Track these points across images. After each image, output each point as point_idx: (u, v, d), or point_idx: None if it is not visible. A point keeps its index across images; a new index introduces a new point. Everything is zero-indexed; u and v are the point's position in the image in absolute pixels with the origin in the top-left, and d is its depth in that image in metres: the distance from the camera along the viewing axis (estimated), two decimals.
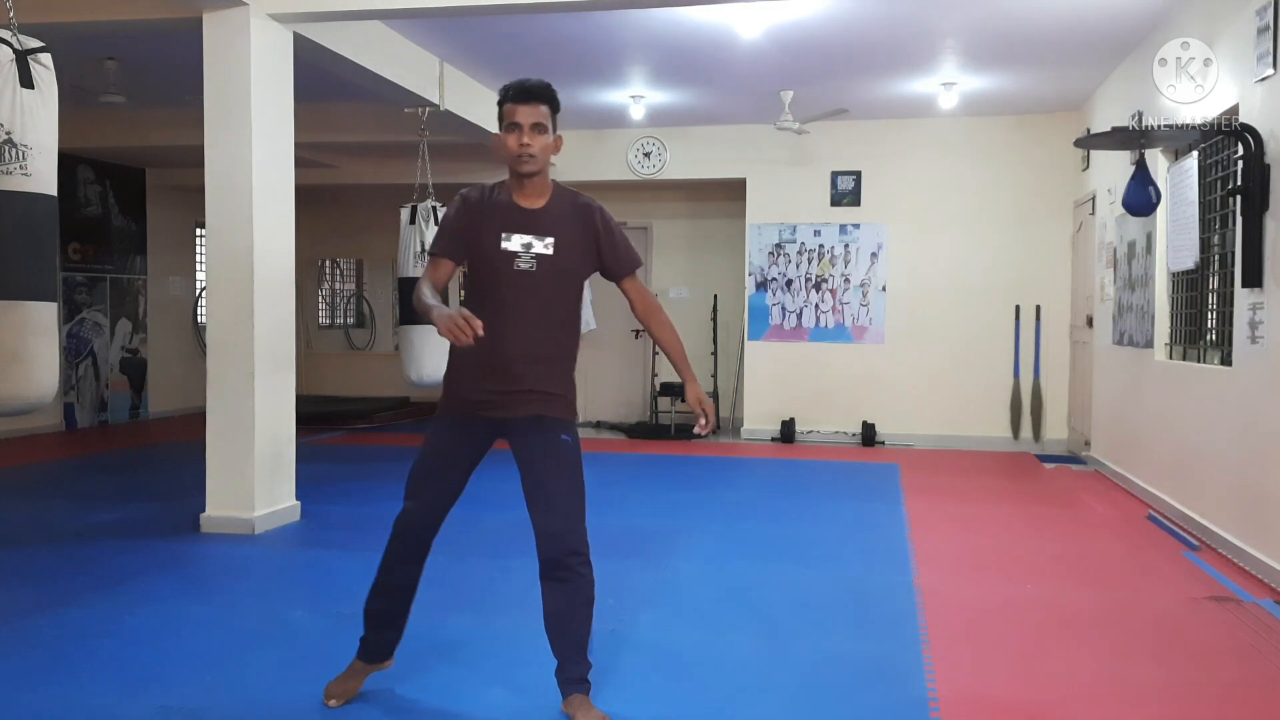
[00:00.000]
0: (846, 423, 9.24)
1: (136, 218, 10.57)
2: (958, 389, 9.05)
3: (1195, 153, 5.40)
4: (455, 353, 2.82)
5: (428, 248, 2.93)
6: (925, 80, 7.64)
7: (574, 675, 2.88)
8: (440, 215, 6.82)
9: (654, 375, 10.27)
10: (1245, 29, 4.74)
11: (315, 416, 9.88)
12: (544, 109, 2.75)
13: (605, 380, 10.55)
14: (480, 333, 2.52)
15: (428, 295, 2.78)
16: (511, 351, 2.76)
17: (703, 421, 2.85)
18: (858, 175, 9.24)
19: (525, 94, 2.74)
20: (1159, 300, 6.11)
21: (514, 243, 2.77)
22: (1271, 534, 4.41)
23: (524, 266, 2.76)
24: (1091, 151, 7.77)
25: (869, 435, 9.07)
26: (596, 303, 10.23)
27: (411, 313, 6.85)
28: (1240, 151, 4.62)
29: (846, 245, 9.28)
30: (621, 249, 2.90)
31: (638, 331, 10.50)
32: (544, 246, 2.78)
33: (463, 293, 2.99)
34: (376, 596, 3.02)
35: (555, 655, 2.91)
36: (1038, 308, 8.93)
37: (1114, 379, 7.17)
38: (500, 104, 2.78)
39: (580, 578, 2.83)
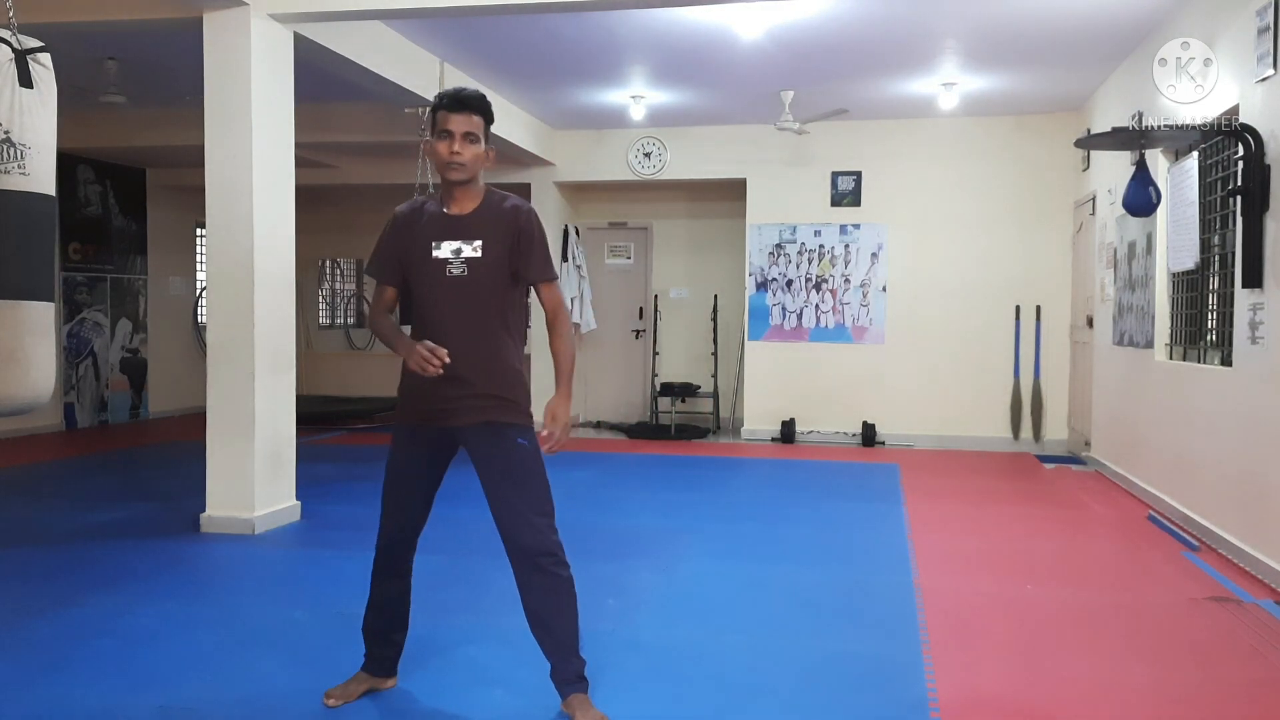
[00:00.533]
0: (847, 423, 9.24)
1: (137, 218, 10.57)
2: (958, 389, 9.05)
3: (1195, 153, 5.39)
4: (408, 365, 2.83)
5: (364, 269, 3.00)
6: (925, 80, 7.64)
7: (568, 675, 2.88)
8: None
9: (654, 375, 10.27)
10: (1245, 29, 4.74)
11: (315, 416, 9.88)
12: (477, 119, 2.78)
13: (605, 380, 10.55)
14: (448, 360, 2.64)
15: (388, 328, 2.88)
16: (460, 357, 2.75)
17: (544, 434, 2.85)
18: (858, 175, 9.24)
19: (458, 103, 2.77)
20: (1159, 300, 6.11)
21: (444, 250, 2.81)
22: (1271, 534, 4.41)
23: (456, 272, 2.80)
24: (1092, 152, 7.77)
25: (869, 435, 9.07)
26: (596, 303, 10.24)
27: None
28: (1240, 152, 4.62)
29: (847, 245, 9.28)
30: (535, 256, 2.87)
31: (638, 332, 10.51)
32: (472, 250, 2.80)
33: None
34: (370, 612, 3.07)
35: (546, 657, 2.91)
36: (1038, 308, 8.93)
37: (1114, 379, 7.17)
38: (433, 110, 2.82)
39: (555, 577, 2.84)
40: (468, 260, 2.80)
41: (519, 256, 2.84)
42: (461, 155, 2.76)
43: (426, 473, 2.93)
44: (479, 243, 2.80)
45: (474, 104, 2.79)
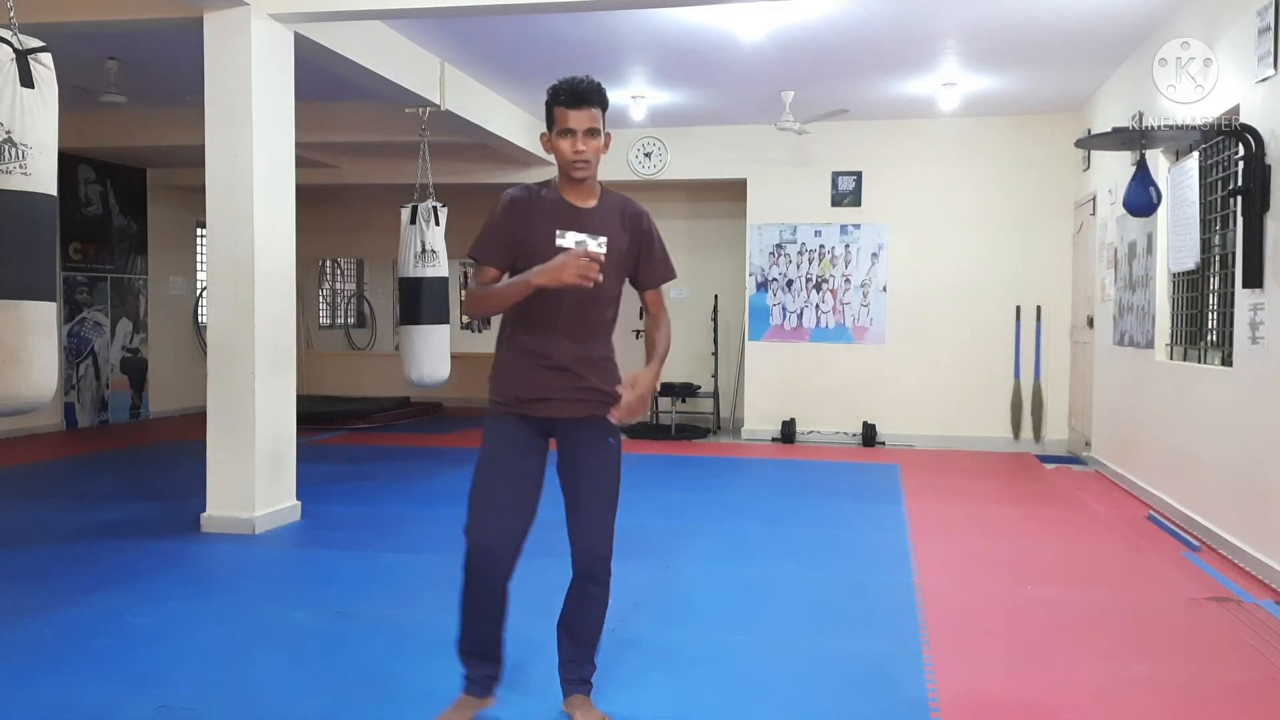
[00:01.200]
0: (847, 423, 9.23)
1: (137, 217, 10.57)
2: (958, 389, 9.05)
3: (1196, 153, 5.39)
4: (505, 353, 2.80)
5: (470, 251, 2.82)
6: (926, 81, 7.64)
7: (576, 676, 2.89)
8: (441, 215, 6.85)
9: None
10: (1246, 29, 4.73)
11: (316, 416, 9.89)
12: (596, 111, 2.69)
13: None
14: (600, 260, 2.58)
15: (498, 289, 2.71)
16: (565, 351, 2.73)
17: (616, 412, 2.71)
18: (858, 176, 9.24)
19: (578, 98, 2.67)
20: (1160, 301, 6.11)
21: (568, 240, 2.71)
22: (1272, 534, 4.41)
23: (599, 258, 2.68)
24: (1092, 152, 7.77)
25: (869, 435, 9.07)
26: None
27: (412, 313, 6.87)
28: (1241, 152, 4.62)
29: (847, 245, 9.28)
30: (659, 260, 2.87)
31: (637, 332, 10.50)
32: (597, 245, 2.73)
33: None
34: (464, 637, 2.90)
35: (562, 654, 2.91)
36: (1038, 308, 8.93)
37: (1114, 379, 7.17)
38: (550, 106, 2.71)
39: (603, 586, 2.85)
40: (590, 255, 2.69)
41: (643, 261, 2.83)
42: (586, 153, 2.68)
43: (530, 464, 2.78)
44: (604, 239, 2.74)
45: (592, 96, 2.68)
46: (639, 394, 2.68)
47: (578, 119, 2.66)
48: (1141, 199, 5.61)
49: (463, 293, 14.67)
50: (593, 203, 2.78)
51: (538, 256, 2.68)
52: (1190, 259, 5.36)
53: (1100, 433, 7.62)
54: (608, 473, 2.80)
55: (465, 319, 14.49)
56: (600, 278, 2.58)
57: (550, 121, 2.73)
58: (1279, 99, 4.41)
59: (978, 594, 4.30)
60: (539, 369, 2.74)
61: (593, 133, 2.68)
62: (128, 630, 3.71)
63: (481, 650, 2.90)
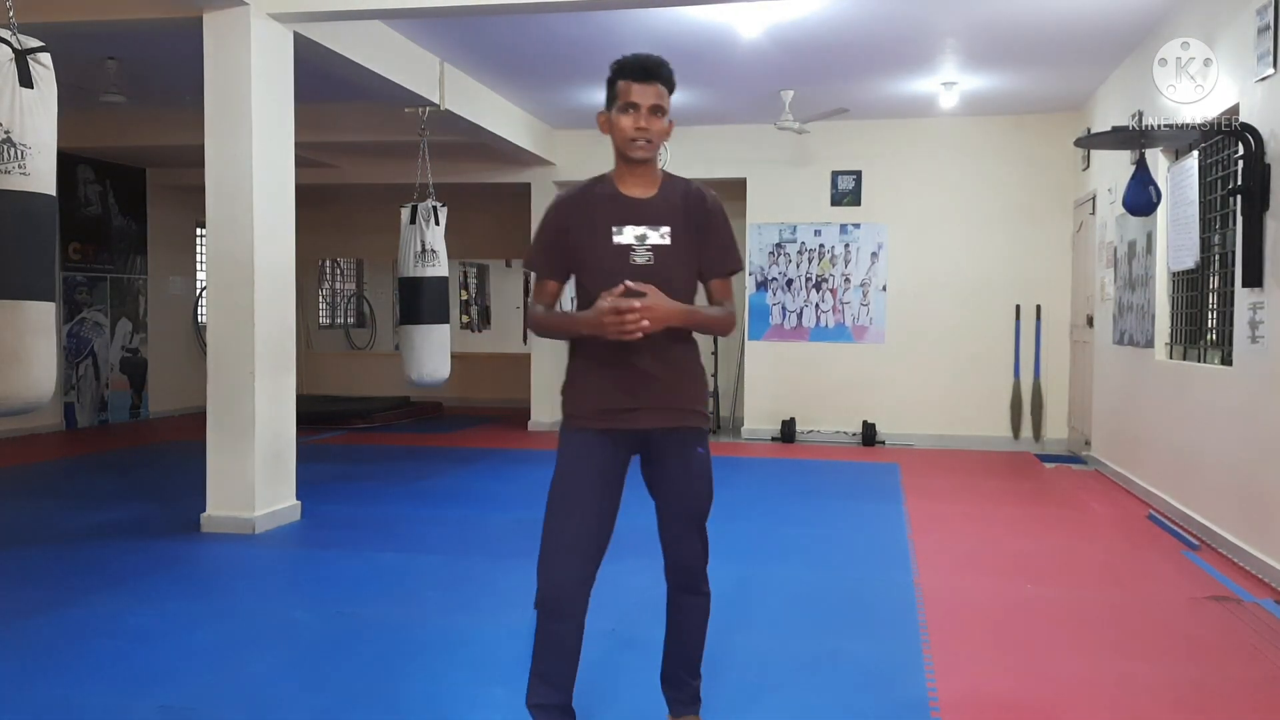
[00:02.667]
0: (847, 422, 9.23)
1: (136, 217, 10.57)
2: (958, 389, 9.05)
3: (1195, 152, 5.39)
4: (581, 361, 2.59)
5: (524, 263, 2.64)
6: (926, 80, 7.64)
7: (684, 695, 2.76)
8: (441, 215, 6.85)
9: None
10: (1245, 29, 4.73)
11: (316, 416, 9.89)
12: (663, 89, 2.49)
13: None
14: (641, 305, 2.32)
15: (556, 317, 2.58)
16: (643, 356, 2.49)
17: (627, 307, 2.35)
18: (858, 175, 9.24)
19: (645, 72, 2.47)
20: (1159, 300, 6.11)
21: (626, 235, 2.49)
22: (1272, 533, 4.41)
23: (640, 260, 2.47)
24: (1092, 151, 7.77)
25: (869, 435, 9.07)
26: None
27: (412, 312, 6.86)
28: (1240, 151, 4.62)
29: (847, 245, 9.28)
30: (723, 246, 2.61)
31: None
32: (660, 236, 2.51)
33: (574, 301, 2.62)
34: (541, 691, 2.56)
35: (667, 672, 2.77)
36: (1038, 307, 8.93)
37: (1114, 379, 7.17)
38: (612, 81, 2.52)
39: (706, 598, 2.71)
40: (654, 248, 2.49)
41: (705, 246, 2.57)
42: (649, 130, 2.46)
43: (611, 487, 2.56)
44: (666, 229, 2.51)
45: (660, 73, 2.49)
46: (652, 302, 2.36)
47: (642, 93, 2.46)
48: (1141, 198, 5.60)
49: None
50: (652, 191, 2.55)
51: (595, 257, 2.51)
52: (1190, 258, 5.36)
53: (1100, 432, 7.62)
54: (701, 481, 2.63)
55: (463, 321, 14.50)
56: (646, 326, 2.32)
57: (611, 98, 2.52)
58: (1278, 98, 4.41)
59: (978, 593, 4.30)
60: (620, 376, 2.52)
61: (657, 110, 2.48)
62: (128, 630, 3.71)
63: (556, 702, 2.57)
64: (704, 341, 10.17)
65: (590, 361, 2.57)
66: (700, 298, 2.65)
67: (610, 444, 2.55)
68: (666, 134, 2.53)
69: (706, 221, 2.58)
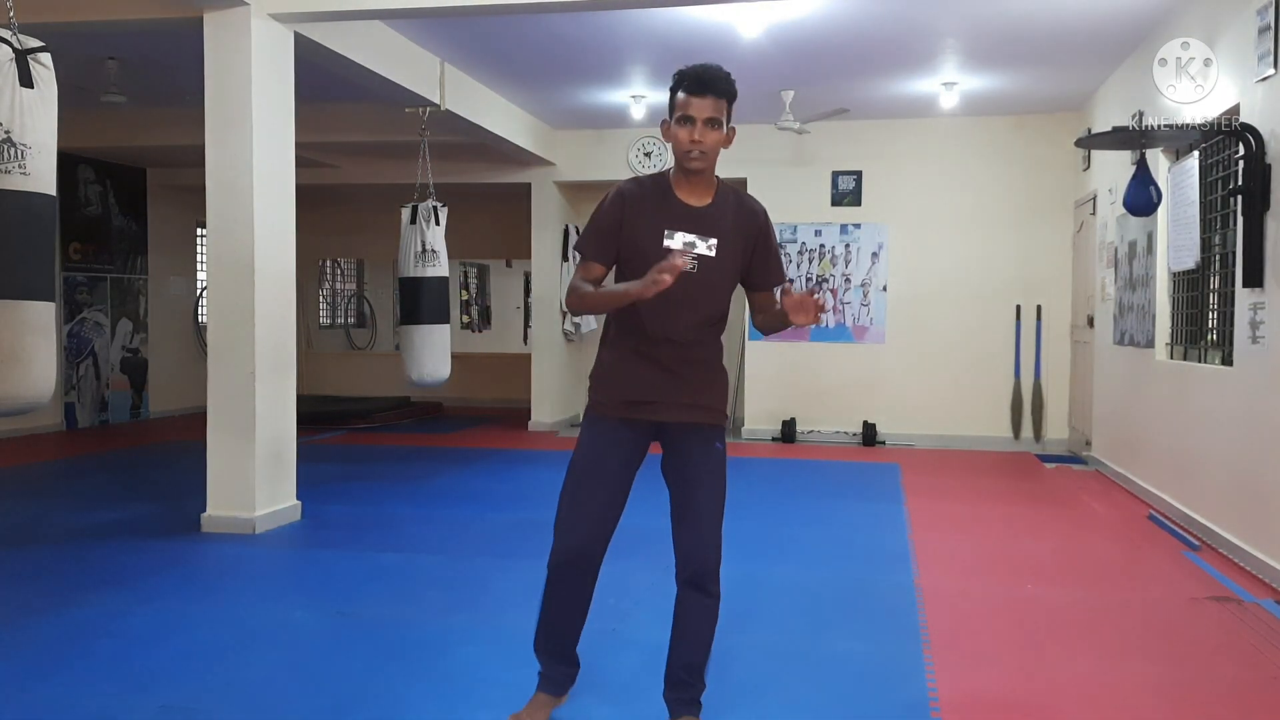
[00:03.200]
0: (847, 423, 9.23)
1: (137, 217, 10.57)
2: (958, 389, 9.05)
3: (1196, 152, 5.39)
4: (610, 352, 2.72)
5: (576, 245, 2.73)
6: (926, 80, 7.64)
7: (685, 696, 2.77)
8: (441, 215, 6.85)
9: None
10: (1246, 29, 4.73)
11: (316, 416, 9.88)
12: (721, 102, 2.56)
13: None
14: (681, 266, 2.43)
15: (599, 293, 2.64)
16: (672, 353, 2.64)
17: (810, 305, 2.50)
18: (858, 175, 9.24)
19: (701, 85, 2.54)
20: (1160, 300, 6.11)
21: (676, 241, 2.60)
22: (1272, 534, 4.41)
23: (686, 267, 2.54)
24: (1092, 151, 7.77)
25: (869, 435, 9.07)
26: None
27: (412, 312, 6.86)
28: (1241, 151, 4.62)
29: (847, 245, 9.28)
30: (774, 262, 2.74)
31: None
32: (707, 247, 2.61)
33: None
34: (542, 634, 2.84)
35: (669, 672, 2.79)
36: (1038, 307, 8.93)
37: (1115, 379, 7.17)
38: (673, 91, 2.59)
39: (715, 600, 2.73)
40: (699, 257, 2.60)
41: (758, 263, 2.70)
42: (703, 143, 2.54)
43: (626, 468, 2.71)
44: (714, 241, 2.62)
45: (718, 85, 2.55)
46: (810, 294, 2.50)
47: (699, 106, 2.53)
48: (1141, 198, 5.61)
49: (463, 293, 14.67)
50: (707, 200, 2.65)
51: (643, 255, 2.59)
52: (1190, 258, 5.36)
53: (1100, 432, 7.62)
54: (716, 479, 2.70)
55: (463, 321, 14.51)
56: (668, 281, 2.41)
57: (671, 108, 2.60)
58: (1279, 98, 4.41)
59: (978, 593, 4.30)
60: (646, 371, 2.66)
61: (713, 123, 2.55)
62: (128, 630, 3.71)
63: (560, 649, 2.84)
64: None
65: (619, 354, 2.70)
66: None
67: (630, 431, 2.69)
68: (724, 144, 2.61)
69: (760, 239, 2.71)
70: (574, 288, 2.69)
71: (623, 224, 2.64)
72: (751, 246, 2.69)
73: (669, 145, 2.64)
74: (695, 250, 2.60)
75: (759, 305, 2.81)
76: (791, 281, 2.67)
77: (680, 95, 2.57)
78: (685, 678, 2.77)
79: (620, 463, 2.70)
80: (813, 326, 9.14)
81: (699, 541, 2.68)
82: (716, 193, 2.67)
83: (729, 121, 2.60)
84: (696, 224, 2.62)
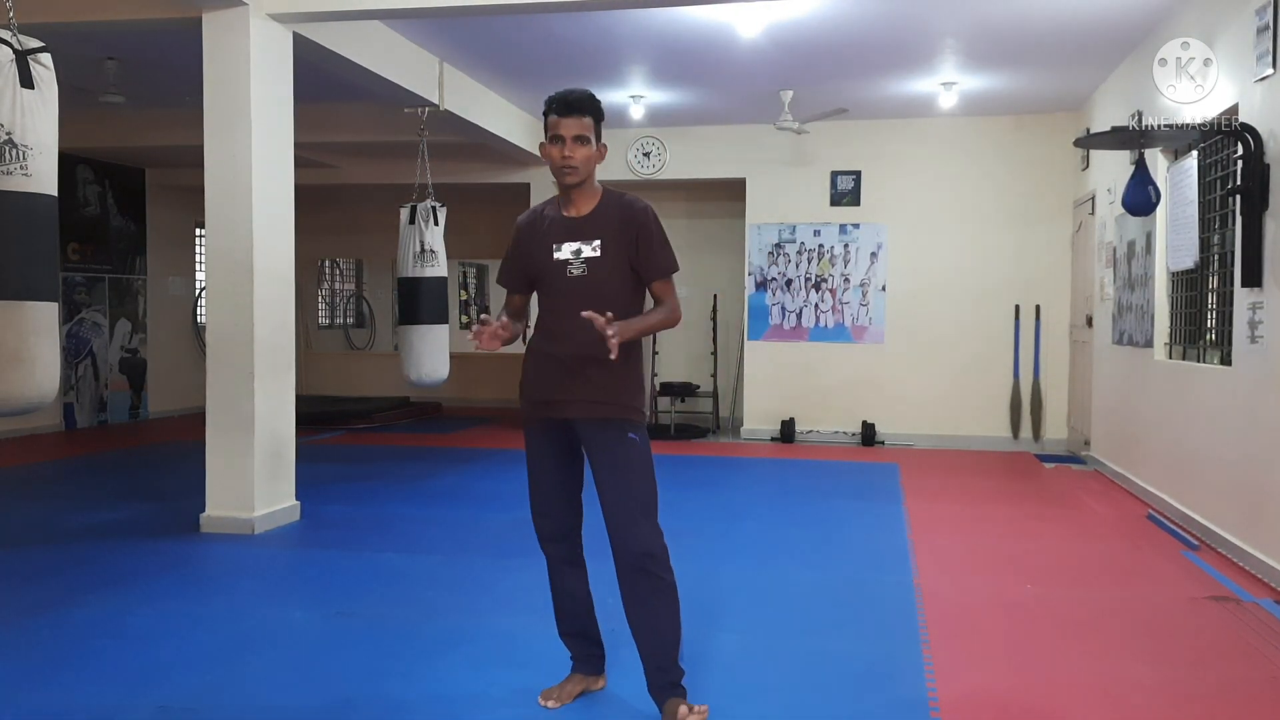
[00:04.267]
0: (846, 423, 9.24)
1: (136, 218, 10.57)
2: (957, 389, 9.05)
3: (1195, 152, 5.40)
4: (527, 355, 2.96)
5: (496, 279, 3.08)
6: (925, 80, 7.64)
7: (662, 683, 2.85)
8: (440, 215, 6.86)
9: (654, 375, 10.27)
10: (1245, 29, 4.74)
11: (315, 416, 9.88)
12: (587, 120, 2.81)
13: None
14: (488, 328, 2.78)
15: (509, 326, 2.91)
16: (574, 353, 2.81)
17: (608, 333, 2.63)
18: (857, 175, 9.24)
19: (567, 107, 2.80)
20: (1159, 300, 6.11)
21: (564, 251, 2.85)
22: (1271, 533, 4.41)
23: (576, 272, 2.83)
24: (1091, 151, 7.77)
25: (869, 435, 9.07)
26: None
27: (411, 312, 6.86)
28: (1240, 151, 4.62)
29: (846, 245, 9.28)
30: (654, 252, 2.89)
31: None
32: (591, 249, 2.84)
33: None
34: (559, 619, 3.08)
35: (644, 664, 2.88)
36: (1037, 307, 8.93)
37: (1114, 379, 7.17)
38: (545, 115, 2.86)
39: (659, 580, 2.82)
40: (587, 260, 2.84)
41: (638, 254, 2.87)
42: (573, 158, 2.80)
43: (560, 466, 2.95)
44: (597, 242, 2.84)
45: (582, 105, 2.82)
46: (614, 327, 2.62)
47: (567, 126, 2.80)
48: (1140, 198, 5.61)
49: (462, 293, 14.66)
50: (588, 209, 2.89)
51: (543, 272, 2.89)
52: (1189, 258, 5.36)
53: (1099, 432, 7.63)
54: (632, 469, 2.82)
55: (462, 321, 14.50)
56: (484, 344, 2.78)
57: (545, 129, 2.87)
58: (1278, 98, 4.42)
59: (977, 593, 4.30)
60: (551, 370, 2.89)
61: (581, 140, 2.80)
62: (127, 631, 3.71)
63: (576, 629, 3.05)
64: (701, 341, 10.21)
65: (531, 358, 2.97)
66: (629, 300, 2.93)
67: (552, 430, 2.93)
68: (596, 159, 2.86)
69: (639, 231, 2.88)
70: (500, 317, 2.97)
71: (521, 253, 2.97)
72: (633, 241, 2.86)
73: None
74: (582, 255, 2.84)
75: (655, 297, 2.96)
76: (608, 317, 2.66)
77: (551, 117, 2.83)
78: (659, 665, 2.85)
79: (554, 461, 2.96)
80: (812, 326, 9.07)
81: (618, 526, 2.81)
82: (600, 201, 2.91)
83: (599, 139, 2.86)
84: (579, 232, 2.86)
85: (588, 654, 3.07)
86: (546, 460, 2.96)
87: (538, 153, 9.09)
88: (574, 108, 2.80)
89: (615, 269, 2.85)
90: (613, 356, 2.63)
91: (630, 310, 2.85)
